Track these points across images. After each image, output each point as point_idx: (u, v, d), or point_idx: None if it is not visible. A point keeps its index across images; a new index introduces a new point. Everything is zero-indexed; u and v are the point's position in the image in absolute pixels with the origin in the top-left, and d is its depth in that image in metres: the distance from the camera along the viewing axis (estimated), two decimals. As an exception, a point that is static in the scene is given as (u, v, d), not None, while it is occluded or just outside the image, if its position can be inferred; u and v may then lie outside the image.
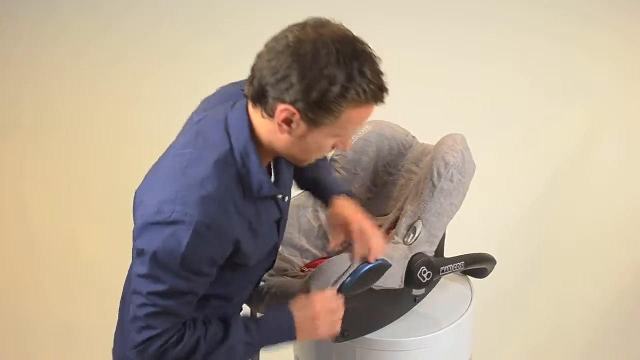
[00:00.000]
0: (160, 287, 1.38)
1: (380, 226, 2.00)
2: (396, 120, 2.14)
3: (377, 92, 1.34)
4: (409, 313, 1.90)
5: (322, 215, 2.03)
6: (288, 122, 1.34)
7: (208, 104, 1.57)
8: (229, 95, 1.54)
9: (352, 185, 2.06)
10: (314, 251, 2.00)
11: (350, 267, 1.64)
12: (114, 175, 3.13)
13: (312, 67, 1.28)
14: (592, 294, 3.06)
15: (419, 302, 1.92)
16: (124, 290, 1.67)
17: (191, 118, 1.56)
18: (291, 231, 1.98)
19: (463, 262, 1.92)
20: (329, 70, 1.28)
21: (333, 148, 1.44)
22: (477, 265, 2.01)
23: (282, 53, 1.30)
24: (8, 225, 3.38)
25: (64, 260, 3.29)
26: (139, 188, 1.49)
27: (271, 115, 1.35)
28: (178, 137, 1.53)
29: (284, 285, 1.74)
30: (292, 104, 1.31)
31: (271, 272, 1.82)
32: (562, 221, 3.12)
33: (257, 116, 1.39)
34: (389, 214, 2.04)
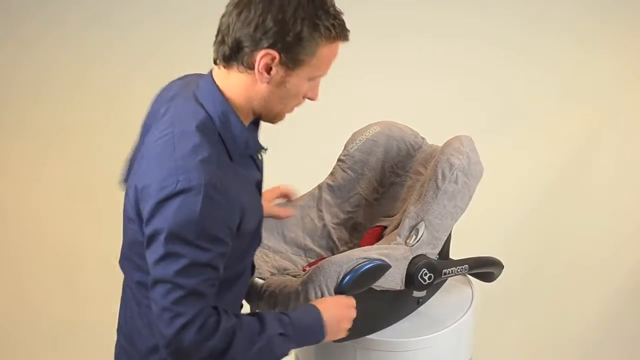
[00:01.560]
0: (180, 264, 1.35)
1: (386, 227, 2.00)
2: (406, 121, 2.15)
3: (343, 28, 1.43)
4: (407, 316, 1.90)
5: (326, 215, 2.03)
6: (268, 68, 1.39)
7: (163, 98, 1.58)
8: (186, 82, 1.57)
9: (359, 185, 2.06)
10: (318, 250, 2.00)
11: (349, 265, 1.64)
12: (114, 175, 3.13)
13: (285, 9, 1.36)
14: (592, 294, 3.06)
15: (422, 304, 1.91)
16: (123, 303, 1.64)
17: (154, 112, 1.58)
18: (295, 230, 1.98)
19: (467, 265, 1.91)
20: (299, 11, 1.36)
21: (304, 97, 1.49)
22: (482, 269, 2.00)
23: (250, 3, 1.37)
24: (8, 225, 3.38)
25: (64, 260, 3.28)
26: (131, 179, 1.49)
27: (249, 66, 1.40)
28: (151, 132, 1.51)
29: (283, 284, 1.73)
30: (271, 47, 1.37)
31: (272, 270, 1.83)
32: (562, 221, 3.11)
33: (229, 78, 1.44)
34: (395, 214, 2.03)
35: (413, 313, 1.90)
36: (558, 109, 3.10)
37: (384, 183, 2.09)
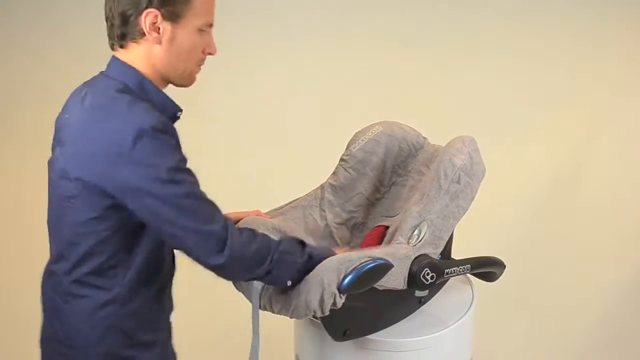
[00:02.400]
0: (170, 162, 1.44)
1: (388, 227, 2.01)
2: (408, 121, 2.15)
3: None
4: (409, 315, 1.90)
5: (329, 215, 2.04)
6: (156, 28, 1.51)
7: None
8: (90, 79, 1.64)
9: (361, 185, 2.06)
10: None
11: (351, 264, 1.64)
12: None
13: None
14: (593, 294, 3.06)
15: (424, 303, 1.92)
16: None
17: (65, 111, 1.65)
18: (297, 230, 1.98)
19: (469, 265, 1.91)
20: None
21: (203, 53, 1.59)
22: (483, 269, 2.01)
23: None
24: (8, 225, 3.37)
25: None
26: (63, 164, 1.55)
27: (141, 33, 1.52)
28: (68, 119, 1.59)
29: None
30: (150, 5, 1.50)
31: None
32: (562, 222, 3.10)
33: (129, 53, 1.55)
34: (397, 214, 2.03)
35: (414, 313, 1.90)
36: (558, 108, 3.10)
37: (386, 183, 2.10)
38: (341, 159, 2.09)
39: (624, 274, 3.05)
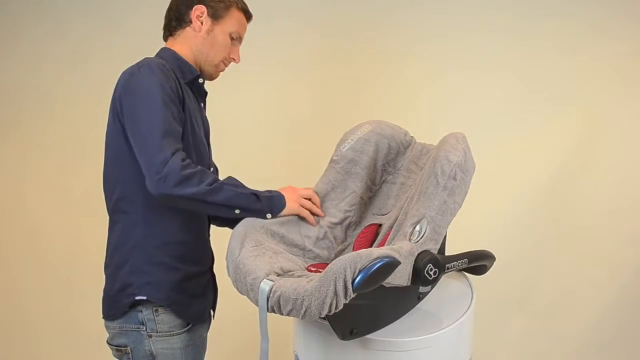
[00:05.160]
0: (153, 92, 1.82)
1: (381, 225, 2.02)
2: (394, 119, 2.16)
3: (246, 9, 2.10)
4: (409, 313, 1.90)
5: (325, 218, 2.05)
6: (200, 20, 2.01)
7: None
8: None
9: (354, 184, 2.07)
10: (317, 250, 2.00)
11: (362, 263, 1.62)
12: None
13: None
14: (592, 294, 3.06)
15: (422, 299, 1.93)
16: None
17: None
18: (293, 231, 1.98)
19: (466, 259, 1.93)
20: None
21: (229, 56, 2.06)
22: (478, 262, 2.02)
23: None
24: (8, 225, 3.37)
25: (64, 260, 3.28)
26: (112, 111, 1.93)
27: (188, 22, 2.02)
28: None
29: (292, 285, 1.70)
30: (200, 2, 2.02)
31: (278, 271, 1.81)
32: (561, 222, 3.11)
33: (176, 40, 2.04)
34: (388, 212, 2.04)
35: (413, 313, 1.91)
36: (558, 107, 3.08)
37: (377, 181, 2.11)
38: (331, 160, 2.10)
39: (623, 275, 3.05)
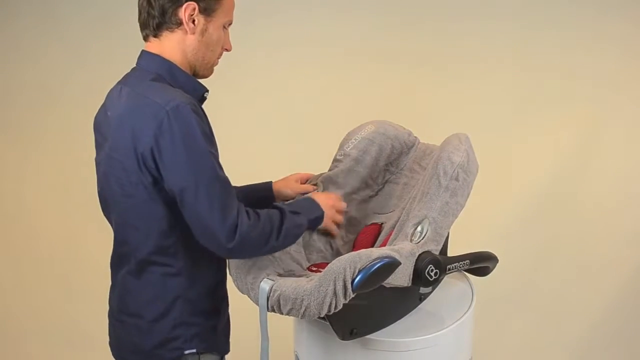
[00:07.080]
0: (201, 145, 1.58)
1: (382, 224, 2.02)
2: (397, 119, 2.16)
3: None
4: (410, 312, 1.90)
5: None
6: (192, 20, 1.69)
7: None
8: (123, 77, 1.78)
9: (355, 183, 2.07)
10: (317, 247, 1.99)
11: (362, 263, 1.62)
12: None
13: None
14: (592, 294, 3.06)
15: (423, 300, 1.92)
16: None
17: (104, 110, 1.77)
18: None
19: (468, 261, 1.92)
20: None
21: (222, 48, 1.78)
22: (481, 264, 2.01)
23: None
24: (8, 225, 3.37)
25: (64, 260, 3.28)
26: (110, 152, 1.69)
27: (177, 23, 1.69)
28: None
29: (292, 285, 1.71)
30: (189, 0, 1.68)
31: (279, 271, 1.82)
32: (561, 221, 3.12)
33: (162, 43, 1.71)
34: (390, 211, 2.04)
35: (414, 313, 1.90)
36: (559, 108, 3.09)
37: (380, 181, 2.11)
38: (335, 159, 2.10)
39: (624, 274, 3.05)
